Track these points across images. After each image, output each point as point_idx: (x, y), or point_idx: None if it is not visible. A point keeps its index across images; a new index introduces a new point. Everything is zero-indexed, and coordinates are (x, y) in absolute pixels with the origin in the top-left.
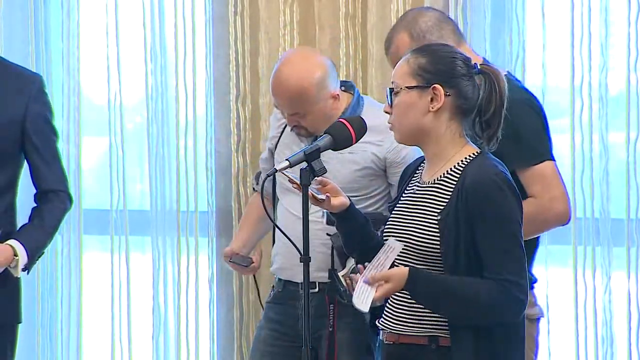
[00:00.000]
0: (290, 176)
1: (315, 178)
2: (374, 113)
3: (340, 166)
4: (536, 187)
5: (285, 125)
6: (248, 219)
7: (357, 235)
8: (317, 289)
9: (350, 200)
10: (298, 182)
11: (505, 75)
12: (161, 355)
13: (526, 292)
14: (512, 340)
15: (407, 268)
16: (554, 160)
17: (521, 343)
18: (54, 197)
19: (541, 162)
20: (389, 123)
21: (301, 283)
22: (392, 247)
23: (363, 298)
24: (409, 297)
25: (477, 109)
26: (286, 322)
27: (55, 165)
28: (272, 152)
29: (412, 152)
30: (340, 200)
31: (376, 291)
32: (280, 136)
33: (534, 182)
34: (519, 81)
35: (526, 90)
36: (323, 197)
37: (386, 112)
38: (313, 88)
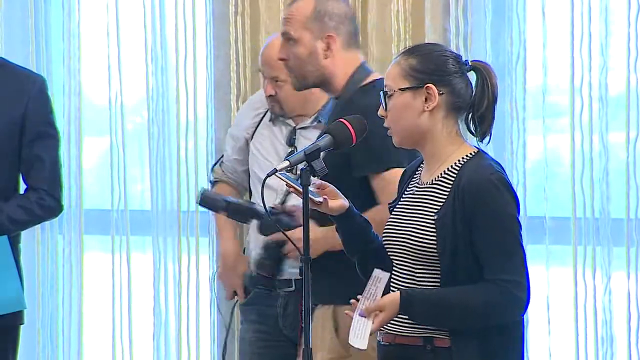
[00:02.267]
0: (288, 181)
1: (314, 182)
2: None
3: None
4: (384, 194)
5: (263, 116)
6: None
7: (357, 238)
8: (293, 287)
9: (349, 202)
10: (295, 187)
11: (372, 83)
12: (162, 355)
13: (526, 289)
14: (510, 339)
15: (399, 292)
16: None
17: (519, 342)
18: (33, 194)
19: (388, 169)
20: (385, 127)
21: (277, 280)
22: (379, 277)
23: (360, 333)
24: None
25: (471, 105)
26: (267, 322)
27: (47, 166)
28: (247, 142)
29: None
30: (339, 203)
31: (373, 322)
32: (257, 126)
33: (382, 189)
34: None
35: None
36: (320, 199)
37: (381, 116)
38: None
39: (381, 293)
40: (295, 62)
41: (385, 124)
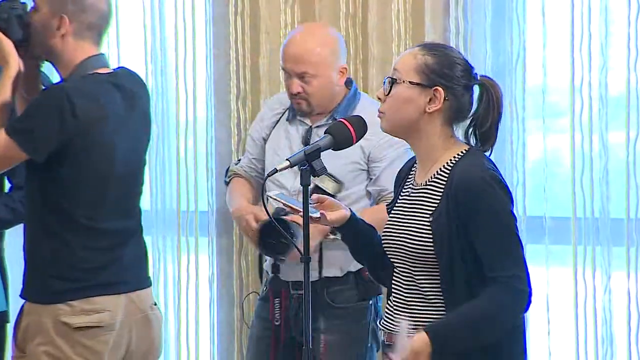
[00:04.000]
0: (284, 201)
1: (312, 199)
2: (368, 108)
3: (329, 158)
4: None
5: (281, 116)
6: (244, 195)
7: (363, 244)
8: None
9: (351, 211)
10: (292, 206)
11: (93, 74)
12: (161, 355)
13: (526, 283)
14: (514, 336)
15: (424, 332)
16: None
17: (522, 339)
18: (17, 193)
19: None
20: (380, 111)
21: (290, 282)
22: (400, 326)
23: None
24: (407, 298)
25: (474, 121)
26: (275, 321)
27: None
28: (265, 142)
29: (395, 153)
30: (339, 214)
31: None
32: (274, 126)
33: None
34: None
35: (74, 88)
36: (318, 214)
37: (379, 98)
38: (328, 49)
39: (406, 338)
40: (34, 29)
41: (379, 109)
